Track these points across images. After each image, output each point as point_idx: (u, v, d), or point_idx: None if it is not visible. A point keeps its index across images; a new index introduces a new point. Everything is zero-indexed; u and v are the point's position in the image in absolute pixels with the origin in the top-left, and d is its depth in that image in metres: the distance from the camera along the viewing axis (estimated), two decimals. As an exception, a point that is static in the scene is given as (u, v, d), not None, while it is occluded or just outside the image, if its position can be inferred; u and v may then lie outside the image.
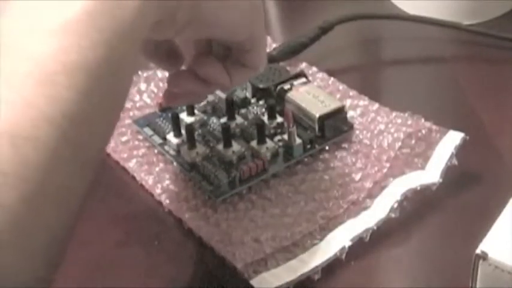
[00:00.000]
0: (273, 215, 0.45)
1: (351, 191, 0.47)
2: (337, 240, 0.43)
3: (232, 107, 0.51)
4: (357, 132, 0.51)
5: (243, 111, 0.52)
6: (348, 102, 0.53)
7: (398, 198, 0.45)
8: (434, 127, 0.49)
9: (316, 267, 0.42)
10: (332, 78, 0.56)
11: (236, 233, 0.44)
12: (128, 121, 0.53)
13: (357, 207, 0.45)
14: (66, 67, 0.28)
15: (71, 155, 0.29)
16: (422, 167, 0.47)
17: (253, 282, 0.41)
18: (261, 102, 0.52)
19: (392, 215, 0.44)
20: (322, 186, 0.47)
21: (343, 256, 0.42)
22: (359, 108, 0.53)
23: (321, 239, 0.43)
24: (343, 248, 0.42)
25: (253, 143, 0.49)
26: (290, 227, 0.45)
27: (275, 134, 0.50)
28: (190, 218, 0.46)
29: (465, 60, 0.59)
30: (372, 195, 0.46)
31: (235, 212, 0.46)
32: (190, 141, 0.49)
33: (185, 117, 0.51)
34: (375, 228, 0.44)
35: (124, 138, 0.52)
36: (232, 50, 0.42)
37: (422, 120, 0.50)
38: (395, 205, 0.45)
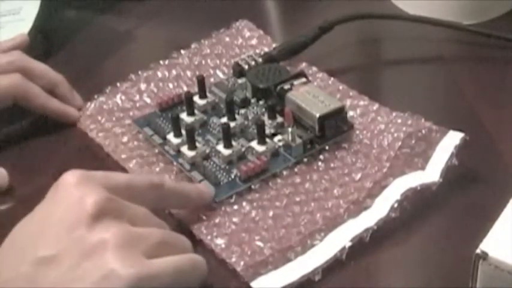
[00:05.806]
0: (273, 215, 0.45)
1: (351, 190, 0.47)
2: (337, 241, 0.43)
3: (232, 107, 0.51)
4: (357, 132, 0.51)
5: (243, 111, 0.52)
6: (348, 102, 0.53)
7: (399, 198, 0.45)
8: (434, 127, 0.49)
9: (316, 268, 0.42)
10: (332, 78, 0.56)
11: (236, 235, 0.44)
12: (127, 121, 0.53)
13: (357, 207, 0.45)
14: None
15: None
16: (423, 167, 0.47)
17: (253, 284, 0.41)
18: (261, 102, 0.52)
19: (393, 215, 0.44)
20: (322, 186, 0.47)
21: (343, 256, 0.42)
22: (359, 108, 0.53)
23: (321, 240, 0.43)
24: (343, 248, 0.42)
25: (253, 143, 0.49)
26: (290, 227, 0.45)
27: (275, 134, 0.50)
28: (190, 218, 0.46)
29: (465, 60, 0.59)
30: (372, 195, 0.46)
31: (235, 212, 0.46)
32: (190, 141, 0.49)
33: (185, 117, 0.51)
34: (375, 228, 0.44)
35: (124, 139, 0.52)
36: None
37: (422, 120, 0.50)
38: (396, 205, 0.44)
